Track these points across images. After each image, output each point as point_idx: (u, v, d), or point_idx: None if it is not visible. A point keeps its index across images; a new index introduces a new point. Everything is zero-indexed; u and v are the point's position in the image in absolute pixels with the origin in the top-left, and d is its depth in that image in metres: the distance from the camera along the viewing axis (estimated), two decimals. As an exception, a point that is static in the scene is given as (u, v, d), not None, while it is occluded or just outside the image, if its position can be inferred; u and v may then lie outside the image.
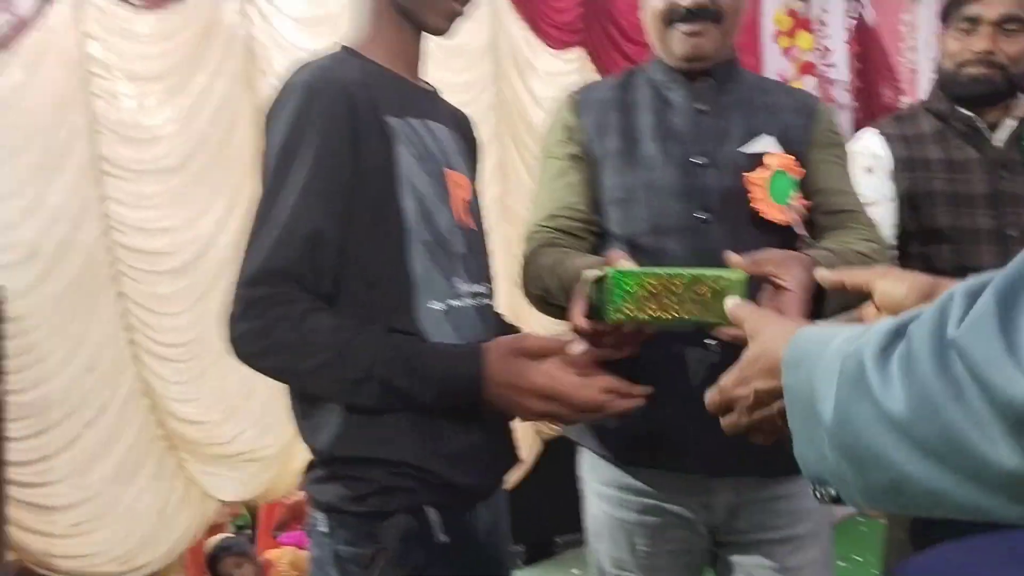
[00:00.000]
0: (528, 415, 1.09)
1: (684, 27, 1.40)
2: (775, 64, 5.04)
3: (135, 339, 3.30)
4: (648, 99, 1.47)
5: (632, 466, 1.42)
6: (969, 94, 1.79)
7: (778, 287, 1.09)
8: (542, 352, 1.08)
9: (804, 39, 4.90)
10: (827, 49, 4.90)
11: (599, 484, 1.47)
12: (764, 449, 1.21)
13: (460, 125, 1.29)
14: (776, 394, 0.75)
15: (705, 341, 1.28)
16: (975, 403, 0.52)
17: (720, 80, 1.46)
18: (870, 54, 5.00)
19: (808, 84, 4.87)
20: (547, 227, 1.42)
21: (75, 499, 3.17)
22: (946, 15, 1.83)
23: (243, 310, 1.03)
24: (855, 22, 5.03)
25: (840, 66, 4.94)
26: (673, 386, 1.27)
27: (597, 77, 4.43)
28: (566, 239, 1.41)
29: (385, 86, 1.14)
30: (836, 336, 0.66)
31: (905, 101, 4.70)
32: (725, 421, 0.86)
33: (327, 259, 1.05)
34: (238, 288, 1.04)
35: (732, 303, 0.92)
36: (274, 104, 1.11)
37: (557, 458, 4.42)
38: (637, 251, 1.36)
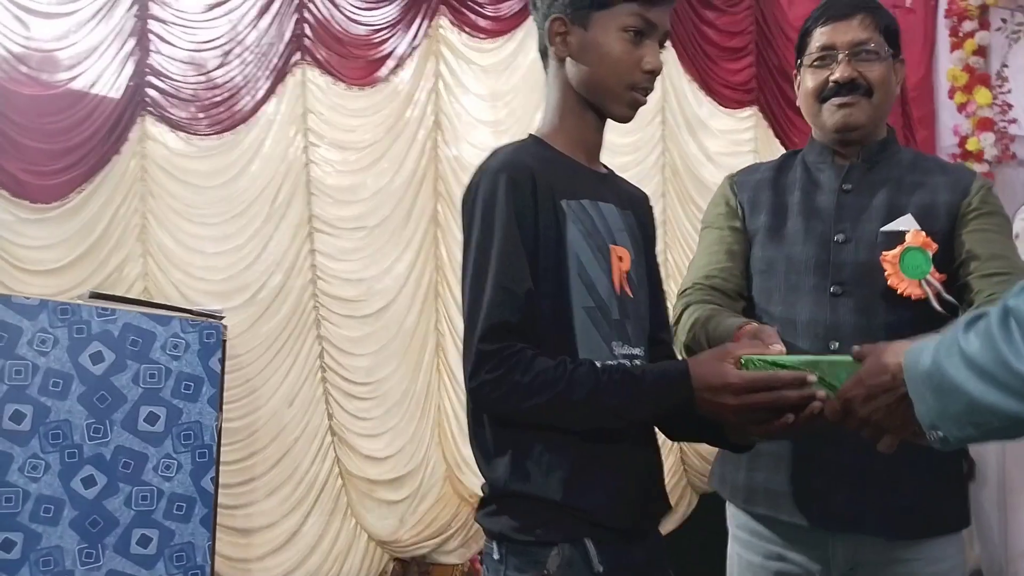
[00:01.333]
0: (731, 413, 1.17)
1: (836, 100, 1.53)
2: (950, 120, 4.95)
3: (327, 377, 3.67)
4: (800, 179, 1.61)
5: (759, 514, 1.55)
6: None
7: None
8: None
9: (982, 94, 4.77)
10: (1008, 104, 4.77)
11: (735, 528, 1.62)
12: (882, 510, 1.43)
13: (635, 203, 1.43)
14: (885, 388, 1.07)
15: None
16: (1018, 339, 0.85)
17: (870, 160, 1.57)
18: (1056, 109, 4.82)
19: (986, 141, 4.75)
20: (702, 285, 1.57)
21: (268, 522, 3.53)
22: None
23: (479, 363, 1.20)
24: (1039, 76, 4.87)
25: (1022, 121, 4.78)
26: (800, 445, 1.40)
27: (771, 135, 4.52)
28: (718, 297, 1.55)
29: (562, 172, 1.30)
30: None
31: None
32: (847, 421, 1.13)
33: (536, 307, 1.23)
34: (474, 345, 1.21)
35: (856, 348, 1.15)
36: (470, 185, 1.29)
37: (710, 512, 4.48)
38: (770, 318, 1.53)
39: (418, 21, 3.65)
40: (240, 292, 3.43)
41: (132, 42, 3.30)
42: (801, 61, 1.61)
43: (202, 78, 3.36)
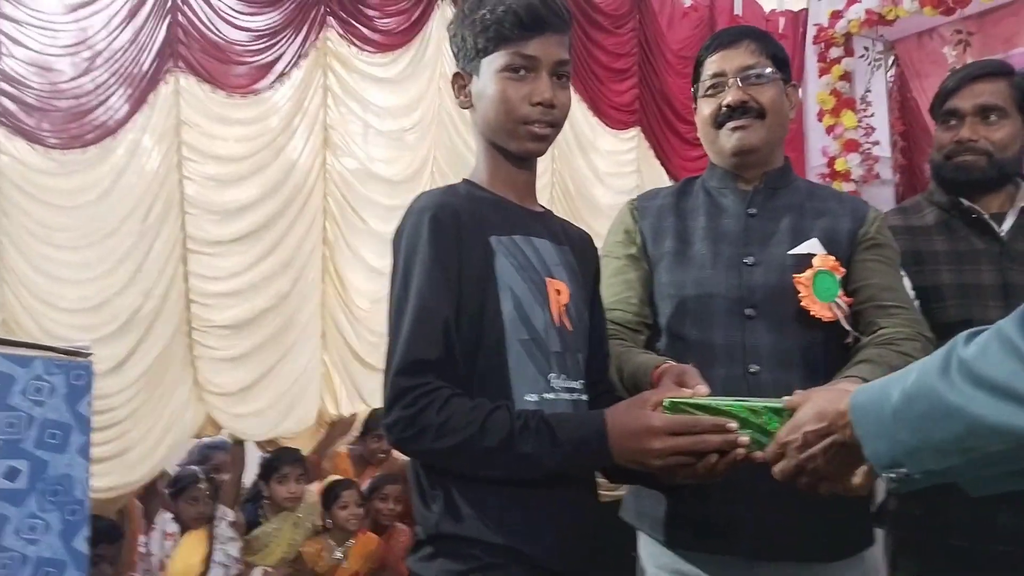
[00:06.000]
0: (655, 457, 1.13)
1: (730, 124, 1.55)
2: (819, 142, 5.17)
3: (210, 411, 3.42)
4: (703, 204, 1.61)
5: (684, 550, 1.50)
6: (956, 180, 1.79)
7: None
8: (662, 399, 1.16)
9: (848, 117, 5.02)
10: (871, 127, 5.02)
11: (655, 568, 1.56)
12: (802, 536, 1.42)
13: (572, 240, 1.41)
14: (822, 434, 1.03)
15: None
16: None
17: (771, 186, 1.59)
18: (913, 131, 5.11)
19: (853, 161, 4.98)
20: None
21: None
22: (932, 111, 1.87)
23: (395, 398, 1.16)
24: (898, 100, 5.16)
25: (884, 143, 5.05)
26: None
27: (652, 155, 4.58)
28: (621, 331, 1.52)
29: (491, 210, 1.30)
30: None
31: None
32: (777, 468, 1.09)
33: (456, 344, 1.19)
34: (390, 378, 1.18)
35: (788, 398, 1.12)
36: (399, 226, 1.28)
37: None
38: (684, 344, 1.51)
39: (304, 30, 3.46)
40: (108, 323, 3.11)
41: (-22, 44, 2.96)
42: (697, 91, 1.63)
43: (63, 86, 3.04)
